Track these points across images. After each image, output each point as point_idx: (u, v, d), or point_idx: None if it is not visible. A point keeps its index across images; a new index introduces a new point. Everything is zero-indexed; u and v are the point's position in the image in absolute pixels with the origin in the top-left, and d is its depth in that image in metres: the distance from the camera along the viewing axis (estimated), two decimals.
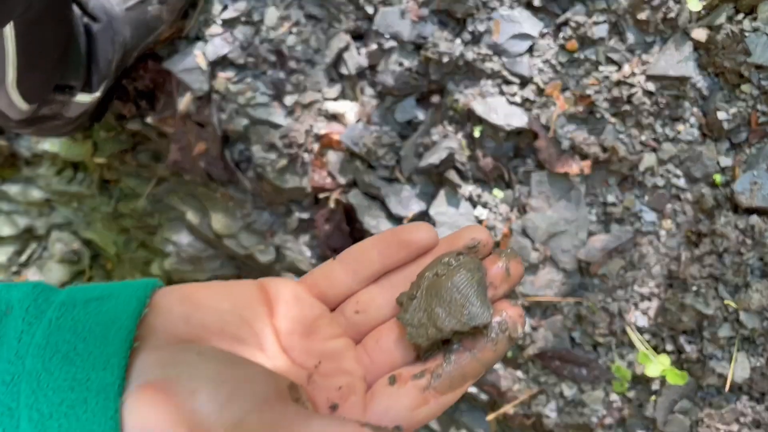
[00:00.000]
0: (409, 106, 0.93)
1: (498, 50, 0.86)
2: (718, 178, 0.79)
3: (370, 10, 0.92)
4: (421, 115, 0.93)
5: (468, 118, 0.89)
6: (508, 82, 0.87)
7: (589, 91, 0.83)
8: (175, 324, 0.34)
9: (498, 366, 0.93)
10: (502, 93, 0.87)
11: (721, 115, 0.77)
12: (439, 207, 0.92)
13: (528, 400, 0.91)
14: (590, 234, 0.86)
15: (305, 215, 1.04)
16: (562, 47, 0.84)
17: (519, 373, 0.92)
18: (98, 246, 1.34)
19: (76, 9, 0.87)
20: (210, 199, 1.11)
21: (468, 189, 0.91)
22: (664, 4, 0.79)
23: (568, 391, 0.88)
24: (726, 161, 0.79)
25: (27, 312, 0.31)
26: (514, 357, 0.91)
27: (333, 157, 0.98)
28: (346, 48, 0.95)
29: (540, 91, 0.86)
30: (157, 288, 0.35)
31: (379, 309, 0.40)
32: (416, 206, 0.94)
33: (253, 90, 0.98)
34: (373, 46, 0.93)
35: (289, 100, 0.97)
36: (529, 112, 0.87)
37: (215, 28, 0.98)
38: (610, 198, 0.85)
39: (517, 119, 0.86)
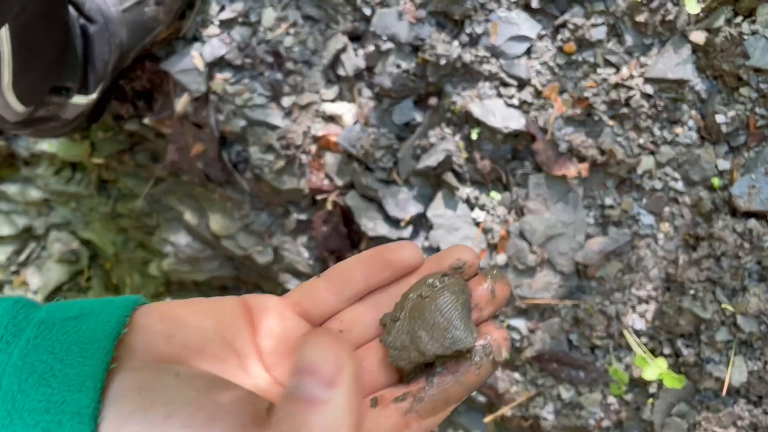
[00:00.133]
0: (406, 108, 0.93)
1: (496, 52, 0.86)
2: (716, 181, 0.79)
3: (367, 11, 0.92)
4: (418, 117, 0.93)
5: (465, 120, 0.89)
6: (505, 84, 0.87)
7: (587, 94, 0.83)
8: (155, 343, 0.33)
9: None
10: (499, 95, 0.87)
11: (719, 118, 0.77)
12: (437, 209, 0.92)
13: (525, 402, 0.91)
14: (588, 237, 0.86)
15: (303, 216, 1.04)
16: (560, 49, 0.84)
17: (516, 375, 0.91)
18: (97, 246, 1.34)
19: (72, 10, 0.86)
20: (208, 200, 1.11)
21: (465, 191, 0.91)
22: (662, 6, 0.78)
23: (566, 393, 0.88)
24: (724, 164, 0.79)
25: (6, 330, 0.31)
26: (511, 359, 0.91)
27: (330, 158, 0.97)
28: (344, 49, 0.94)
29: (538, 94, 0.86)
30: (139, 306, 0.35)
31: (363, 328, 0.40)
32: (413, 208, 0.93)
33: (250, 91, 0.97)
34: (371, 48, 0.92)
35: (286, 101, 0.97)
36: (527, 114, 0.86)
37: (212, 29, 0.98)
38: (608, 201, 0.85)
39: (515, 121, 0.86)
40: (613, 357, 0.86)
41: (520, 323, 0.89)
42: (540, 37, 0.85)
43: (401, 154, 0.93)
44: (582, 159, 0.84)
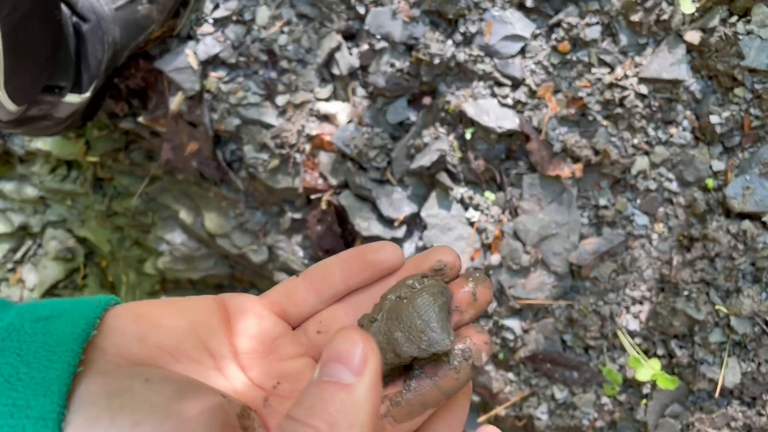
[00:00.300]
0: (400, 107, 0.92)
1: (490, 51, 0.85)
2: (710, 182, 0.78)
3: (361, 9, 0.92)
4: (412, 117, 0.93)
5: (459, 119, 0.89)
6: (499, 84, 0.86)
7: (581, 93, 0.82)
8: (127, 345, 0.33)
9: (490, 368, 0.92)
10: (493, 95, 0.87)
11: (714, 118, 0.77)
12: (431, 209, 0.91)
13: (519, 402, 0.91)
14: (582, 237, 0.86)
15: (298, 215, 1.04)
16: (555, 49, 0.84)
17: (510, 375, 0.91)
18: (92, 244, 1.34)
19: (65, 9, 0.86)
20: (203, 199, 1.11)
21: (460, 191, 0.90)
22: (657, 5, 0.78)
23: (560, 393, 0.88)
24: (718, 165, 0.78)
25: None
26: (505, 359, 0.91)
27: (324, 158, 0.97)
28: (338, 48, 0.94)
29: (532, 93, 0.85)
30: (111, 306, 0.34)
31: None
32: (407, 208, 0.93)
33: (244, 90, 0.97)
34: (365, 47, 0.92)
35: (280, 100, 0.97)
36: (521, 114, 0.86)
37: (207, 27, 0.97)
38: (602, 201, 0.84)
39: (509, 121, 0.85)
40: (606, 357, 0.85)
41: (514, 323, 0.89)
42: (534, 37, 0.85)
43: (395, 154, 0.93)
44: (576, 159, 0.84)
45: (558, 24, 0.83)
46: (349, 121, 0.95)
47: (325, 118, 0.97)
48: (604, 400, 0.86)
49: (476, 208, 0.90)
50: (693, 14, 0.77)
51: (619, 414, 0.86)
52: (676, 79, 0.78)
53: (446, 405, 0.37)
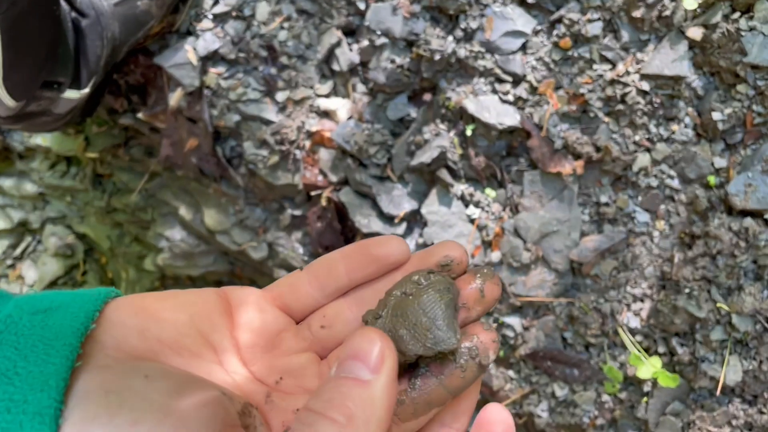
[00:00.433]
0: (401, 103, 0.92)
1: (490, 48, 0.85)
2: (712, 179, 0.78)
3: (361, 5, 0.91)
4: (413, 113, 0.92)
5: (460, 116, 0.88)
6: (500, 80, 0.86)
7: (582, 90, 0.82)
8: (127, 339, 0.32)
9: (490, 365, 0.92)
10: (494, 91, 0.86)
11: (716, 115, 0.76)
12: (431, 206, 0.91)
13: (520, 399, 0.91)
14: (583, 234, 0.85)
15: (298, 212, 1.04)
16: (556, 45, 0.83)
17: (511, 373, 0.91)
18: (92, 240, 1.34)
19: (64, 4, 0.86)
20: (202, 195, 1.11)
21: (460, 188, 0.90)
22: (659, 1, 0.77)
23: (560, 391, 0.88)
24: (720, 162, 0.78)
25: None
26: (506, 357, 0.91)
27: (324, 154, 0.97)
28: (338, 44, 0.94)
29: (533, 90, 0.85)
30: (111, 299, 0.33)
31: (346, 324, 0.38)
32: (408, 205, 0.93)
33: (244, 86, 0.97)
34: (365, 43, 0.91)
35: (280, 96, 0.96)
36: (522, 110, 0.85)
37: (206, 23, 0.97)
38: (603, 198, 0.84)
39: (510, 118, 0.85)
40: (607, 355, 0.85)
41: (514, 321, 0.89)
42: (535, 33, 0.85)
43: (395, 150, 0.92)
44: (577, 156, 0.84)
45: (559, 20, 0.83)
46: (350, 118, 0.95)
47: (325, 114, 0.96)
48: (605, 397, 0.86)
49: (477, 205, 0.90)
50: (695, 10, 0.76)
51: (619, 412, 0.85)
52: (678, 75, 0.77)
53: (452, 403, 0.36)
